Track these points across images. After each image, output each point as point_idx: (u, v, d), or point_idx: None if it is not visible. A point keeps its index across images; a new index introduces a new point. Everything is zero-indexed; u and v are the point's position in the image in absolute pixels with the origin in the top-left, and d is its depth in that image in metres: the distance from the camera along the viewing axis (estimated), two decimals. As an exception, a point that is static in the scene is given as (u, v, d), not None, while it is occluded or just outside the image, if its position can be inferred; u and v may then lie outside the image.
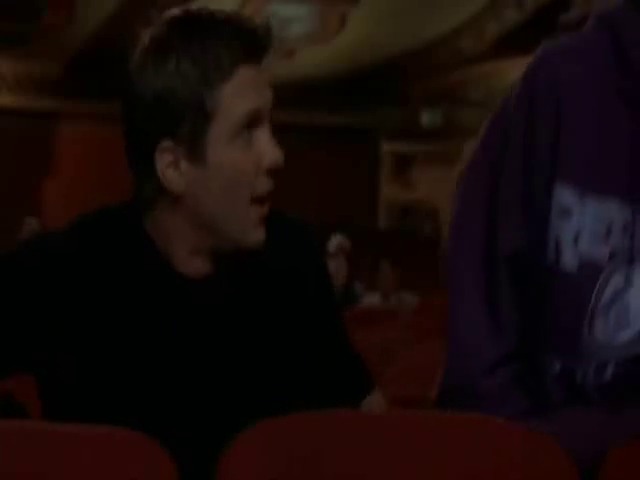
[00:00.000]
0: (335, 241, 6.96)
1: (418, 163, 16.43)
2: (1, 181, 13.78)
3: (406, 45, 14.18)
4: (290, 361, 1.50)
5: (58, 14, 13.02)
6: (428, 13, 13.33)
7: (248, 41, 1.39)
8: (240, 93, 1.39)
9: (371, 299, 7.31)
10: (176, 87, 1.37)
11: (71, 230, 1.49)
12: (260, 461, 1.32)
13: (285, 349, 1.50)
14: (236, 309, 1.48)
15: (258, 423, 1.35)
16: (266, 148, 1.41)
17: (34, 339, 1.43)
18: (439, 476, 1.36)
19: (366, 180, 16.02)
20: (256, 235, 1.42)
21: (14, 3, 12.51)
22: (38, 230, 4.34)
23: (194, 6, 1.43)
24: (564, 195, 1.25)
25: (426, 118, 15.18)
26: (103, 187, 14.58)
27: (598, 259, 1.26)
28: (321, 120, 15.42)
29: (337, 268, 6.51)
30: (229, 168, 1.38)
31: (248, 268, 1.47)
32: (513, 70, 15.26)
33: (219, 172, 1.38)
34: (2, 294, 1.44)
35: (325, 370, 1.55)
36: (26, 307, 1.43)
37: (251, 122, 1.40)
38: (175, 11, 1.42)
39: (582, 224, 1.26)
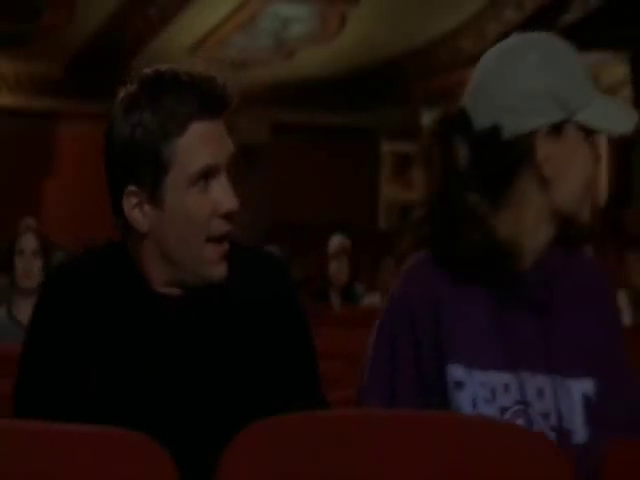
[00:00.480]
0: (336, 241, 6.95)
1: (418, 163, 16.41)
2: (1, 181, 13.77)
3: (406, 45, 14.17)
4: (257, 379, 1.58)
5: (58, 14, 13.01)
6: (428, 13, 13.32)
7: (204, 98, 1.52)
8: (194, 147, 1.52)
9: (371, 299, 7.30)
10: (138, 137, 1.52)
11: (80, 263, 1.62)
12: (260, 461, 1.32)
13: (253, 368, 1.58)
14: (210, 328, 1.58)
15: (257, 423, 1.35)
16: (221, 196, 1.54)
17: (63, 360, 1.56)
18: (439, 476, 1.36)
19: (366, 180, 16.01)
20: (217, 270, 1.56)
21: (14, 3, 12.50)
22: (35, 229, 4.32)
23: (163, 63, 1.56)
24: (456, 371, 1.52)
25: (426, 118, 15.18)
26: (103, 187, 14.53)
27: (492, 416, 1.53)
28: (321, 120, 15.41)
29: (339, 268, 6.50)
30: (185, 212, 1.53)
31: (220, 297, 1.59)
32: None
33: (176, 215, 1.53)
34: (45, 330, 1.60)
35: (286, 397, 1.59)
36: (57, 335, 1.58)
37: (207, 174, 1.53)
38: (147, 70, 1.56)
39: (475, 391, 1.53)
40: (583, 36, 12.91)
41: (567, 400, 1.54)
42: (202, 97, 1.52)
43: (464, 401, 1.53)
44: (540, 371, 1.54)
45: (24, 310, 4.01)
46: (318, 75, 14.76)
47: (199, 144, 1.52)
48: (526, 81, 1.55)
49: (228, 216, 1.54)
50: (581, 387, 1.55)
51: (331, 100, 15.23)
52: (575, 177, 1.57)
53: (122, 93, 1.56)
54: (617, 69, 13.91)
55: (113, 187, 1.57)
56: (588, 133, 1.57)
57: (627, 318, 5.42)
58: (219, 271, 1.56)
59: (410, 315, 1.55)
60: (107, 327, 1.55)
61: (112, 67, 14.07)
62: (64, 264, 1.62)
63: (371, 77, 14.69)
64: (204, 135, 1.53)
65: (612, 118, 1.57)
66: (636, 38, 12.70)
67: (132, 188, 1.54)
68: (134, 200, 1.54)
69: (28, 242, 4.06)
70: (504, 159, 1.54)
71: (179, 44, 13.57)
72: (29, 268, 4.01)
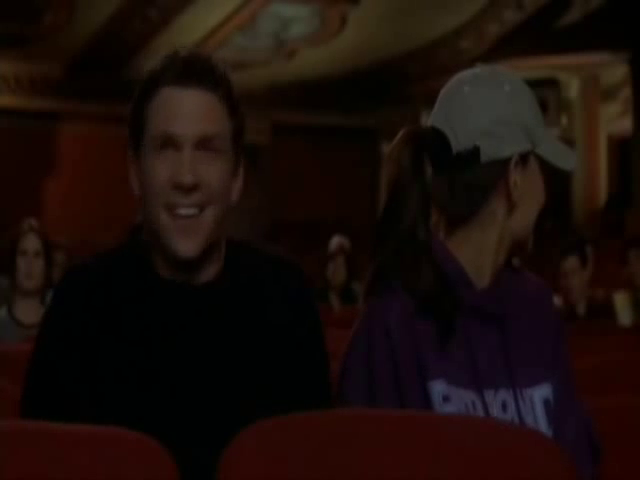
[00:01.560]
0: (334, 242, 6.95)
1: (418, 163, 16.38)
2: (1, 181, 13.78)
3: (406, 46, 14.18)
4: (262, 379, 1.58)
5: (58, 15, 13.02)
6: (428, 14, 13.33)
7: (175, 65, 1.57)
8: (158, 111, 1.56)
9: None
10: (131, 109, 1.60)
11: (92, 262, 1.65)
12: (260, 461, 1.32)
13: (258, 367, 1.59)
14: (212, 319, 1.59)
15: (257, 423, 1.35)
16: (175, 168, 1.54)
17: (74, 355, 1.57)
18: (439, 476, 1.36)
19: (366, 180, 16.02)
20: (180, 245, 1.55)
21: (15, 4, 12.51)
22: (37, 230, 4.32)
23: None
24: (440, 386, 1.57)
25: (426, 118, 15.15)
26: (103, 187, 14.57)
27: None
28: (321, 120, 15.42)
29: (335, 269, 6.50)
30: (148, 176, 1.56)
31: (225, 290, 1.61)
32: (513, 70, 15.23)
33: (145, 180, 1.57)
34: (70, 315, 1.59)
35: (293, 400, 1.58)
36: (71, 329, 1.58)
37: (166, 143, 1.55)
38: None
39: (459, 405, 1.58)
40: (583, 36, 12.94)
41: (529, 407, 1.63)
42: (174, 64, 1.57)
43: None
44: (502, 385, 1.62)
45: (25, 310, 4.01)
46: (318, 75, 14.77)
47: (162, 109, 1.55)
48: (502, 108, 1.64)
49: (181, 189, 1.54)
50: (541, 393, 1.64)
51: (331, 100, 15.24)
52: (533, 205, 1.67)
53: None
54: (617, 69, 13.91)
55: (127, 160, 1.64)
56: (544, 167, 1.67)
57: (627, 319, 5.42)
58: (183, 246, 1.55)
59: (386, 335, 1.60)
60: (114, 320, 1.57)
61: (112, 68, 14.07)
62: (77, 264, 1.64)
63: (371, 77, 14.70)
64: (170, 101, 1.56)
65: (561, 154, 1.68)
66: (636, 38, 12.70)
67: (130, 154, 1.60)
68: (132, 168, 1.60)
69: (30, 243, 4.06)
70: (481, 180, 1.63)
71: (179, 44, 13.55)
72: (31, 269, 4.01)
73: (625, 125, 13.99)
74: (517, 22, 13.32)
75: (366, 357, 1.60)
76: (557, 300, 5.38)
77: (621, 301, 5.52)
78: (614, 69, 13.98)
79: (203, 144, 1.54)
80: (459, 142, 1.63)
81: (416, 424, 1.42)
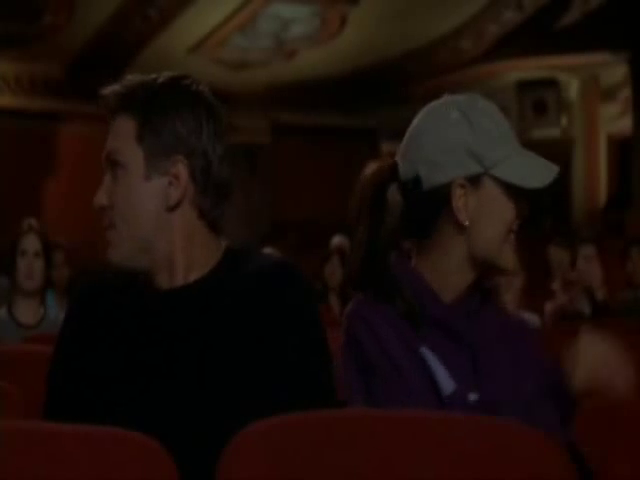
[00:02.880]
0: (333, 242, 6.96)
1: (418, 163, 16.38)
2: (1, 181, 13.78)
3: (406, 46, 14.17)
4: (261, 380, 1.59)
5: (58, 15, 13.02)
6: (428, 14, 13.33)
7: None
8: None
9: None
10: None
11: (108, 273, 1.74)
12: (260, 461, 1.32)
13: (256, 368, 1.60)
14: (211, 324, 1.61)
15: (257, 423, 1.36)
16: None
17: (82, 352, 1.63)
18: (438, 476, 1.36)
19: (366, 180, 16.00)
20: (107, 254, 1.66)
21: (15, 4, 12.51)
22: (37, 230, 4.33)
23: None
24: (428, 351, 1.64)
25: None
26: (103, 187, 14.55)
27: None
28: (321, 120, 15.42)
29: (332, 269, 6.51)
30: None
31: (220, 296, 1.64)
32: (513, 70, 15.27)
33: None
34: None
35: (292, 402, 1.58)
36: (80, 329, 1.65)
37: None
38: None
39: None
40: (583, 36, 12.94)
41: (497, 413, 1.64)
42: None
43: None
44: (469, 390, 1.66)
45: (25, 310, 4.02)
46: (318, 75, 14.77)
47: None
48: (445, 136, 1.69)
49: (100, 211, 1.67)
50: (512, 405, 1.67)
51: (331, 100, 15.24)
52: (490, 226, 1.70)
53: None
54: (617, 69, 13.91)
55: None
56: (509, 187, 1.69)
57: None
58: (108, 254, 1.66)
59: (364, 321, 1.66)
60: (116, 321, 1.62)
61: (112, 68, 14.08)
62: (94, 275, 1.74)
63: (371, 77, 14.70)
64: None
65: (527, 174, 1.69)
66: (636, 38, 12.70)
67: None
68: None
69: (30, 243, 4.06)
70: (424, 208, 1.70)
71: (179, 44, 13.57)
72: (31, 269, 4.01)
73: (625, 125, 13.98)
74: (517, 22, 13.31)
75: (352, 343, 1.67)
76: (551, 304, 5.39)
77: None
78: (614, 69, 13.98)
79: (111, 163, 1.66)
80: (406, 173, 1.70)
81: (417, 424, 1.42)
